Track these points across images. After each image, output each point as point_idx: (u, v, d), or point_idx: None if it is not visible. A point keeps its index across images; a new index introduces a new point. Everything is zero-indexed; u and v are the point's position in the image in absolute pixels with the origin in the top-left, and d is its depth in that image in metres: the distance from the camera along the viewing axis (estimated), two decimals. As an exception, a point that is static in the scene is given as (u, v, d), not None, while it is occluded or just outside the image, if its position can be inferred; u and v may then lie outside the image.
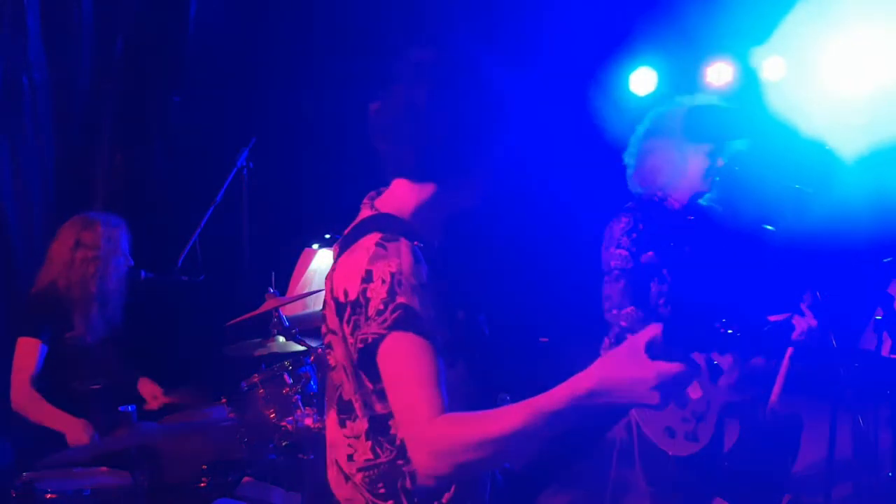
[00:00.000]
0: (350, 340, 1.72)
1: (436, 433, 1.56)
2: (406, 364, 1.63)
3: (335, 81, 5.83)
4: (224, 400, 3.62)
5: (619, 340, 3.30)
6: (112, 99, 5.12)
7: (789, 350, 3.56)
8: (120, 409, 3.13)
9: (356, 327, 1.69)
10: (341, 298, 1.72)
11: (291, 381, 3.62)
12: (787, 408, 3.88)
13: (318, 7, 5.82)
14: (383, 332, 1.64)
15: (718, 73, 6.01)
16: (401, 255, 1.68)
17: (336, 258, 1.84)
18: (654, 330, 1.52)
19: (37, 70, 4.67)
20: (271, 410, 3.58)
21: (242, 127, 4.93)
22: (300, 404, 3.58)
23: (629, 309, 3.20)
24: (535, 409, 1.53)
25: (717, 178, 3.34)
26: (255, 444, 3.59)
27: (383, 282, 1.65)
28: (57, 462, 3.18)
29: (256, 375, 3.65)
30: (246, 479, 3.77)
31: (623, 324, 3.20)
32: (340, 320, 1.73)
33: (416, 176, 1.81)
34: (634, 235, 3.28)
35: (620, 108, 5.77)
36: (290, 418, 3.54)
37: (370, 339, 1.66)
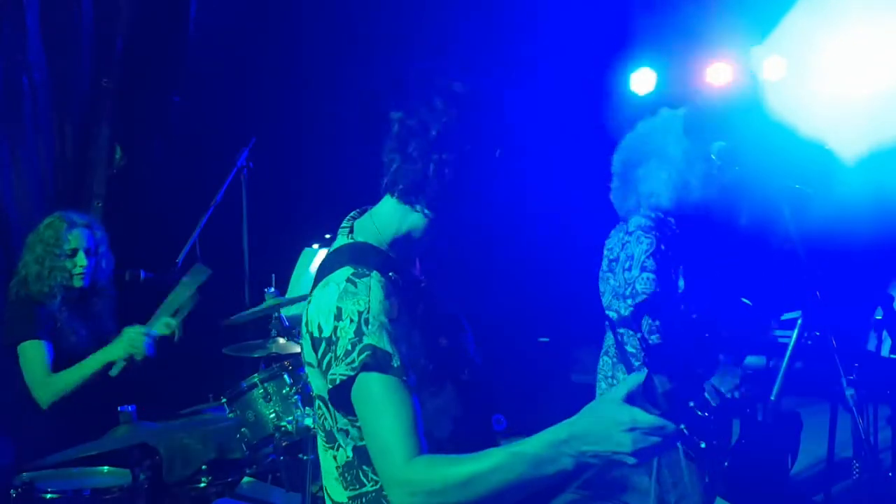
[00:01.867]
0: (326, 377, 1.72)
1: (413, 475, 1.58)
2: (378, 406, 1.63)
3: (335, 82, 5.84)
4: (224, 400, 3.62)
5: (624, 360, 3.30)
6: (112, 99, 5.11)
7: (789, 350, 3.56)
8: (120, 408, 3.12)
9: (329, 366, 1.69)
10: (315, 333, 1.72)
11: (291, 381, 3.62)
12: (787, 408, 3.88)
13: (318, 7, 5.82)
14: (352, 373, 1.65)
15: (718, 73, 6.01)
16: (370, 293, 1.67)
17: (312, 289, 1.81)
18: (635, 379, 1.54)
19: (37, 70, 4.67)
20: (271, 410, 3.58)
21: (242, 127, 4.92)
22: (300, 404, 3.58)
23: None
24: (515, 452, 1.55)
25: (711, 185, 3.32)
26: (255, 444, 3.59)
27: (351, 321, 1.66)
28: (57, 462, 3.18)
29: (256, 375, 3.65)
30: (246, 479, 3.77)
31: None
32: (316, 354, 1.73)
33: (407, 198, 1.77)
34: (658, 257, 3.24)
35: (621, 108, 5.77)
36: (290, 418, 3.54)
37: (339, 381, 1.66)
